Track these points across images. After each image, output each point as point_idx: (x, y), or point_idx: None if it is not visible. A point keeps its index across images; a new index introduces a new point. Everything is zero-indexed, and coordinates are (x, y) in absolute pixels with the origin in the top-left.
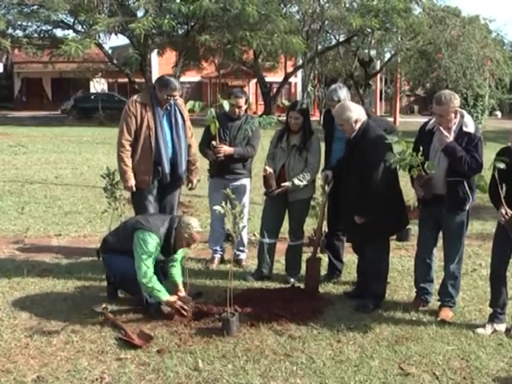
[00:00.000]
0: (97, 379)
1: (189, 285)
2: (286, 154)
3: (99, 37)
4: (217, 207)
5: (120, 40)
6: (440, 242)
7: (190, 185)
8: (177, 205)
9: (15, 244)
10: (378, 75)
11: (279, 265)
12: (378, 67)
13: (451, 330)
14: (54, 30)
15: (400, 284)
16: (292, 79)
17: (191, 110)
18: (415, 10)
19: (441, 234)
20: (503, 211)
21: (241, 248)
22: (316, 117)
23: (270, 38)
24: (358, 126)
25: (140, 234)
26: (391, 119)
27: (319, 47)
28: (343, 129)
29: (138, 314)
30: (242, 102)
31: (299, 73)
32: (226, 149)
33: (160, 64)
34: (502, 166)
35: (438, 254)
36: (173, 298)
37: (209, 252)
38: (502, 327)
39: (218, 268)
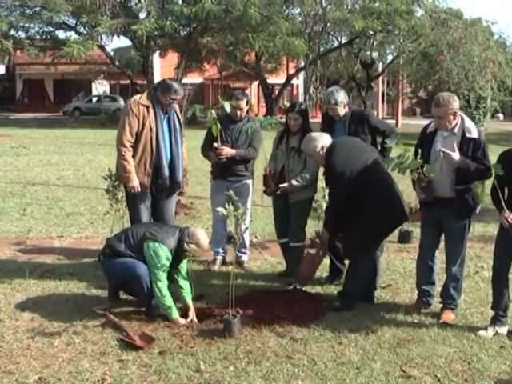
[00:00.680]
0: (98, 381)
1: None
2: (285, 155)
3: (101, 38)
4: (219, 209)
5: (122, 42)
6: (442, 244)
7: (180, 189)
8: (174, 211)
9: (17, 245)
10: (380, 77)
11: (281, 266)
12: (380, 69)
13: (453, 333)
14: (56, 32)
15: (402, 286)
16: (294, 81)
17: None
18: (417, 12)
19: (443, 236)
20: (506, 215)
21: (243, 250)
22: (318, 118)
23: (272, 40)
24: (325, 151)
25: (151, 244)
26: (393, 121)
27: (321, 49)
28: (314, 160)
29: (139, 316)
30: (243, 104)
31: (301, 75)
32: (227, 150)
33: (162, 66)
34: (500, 172)
35: (439, 256)
36: (182, 321)
37: (211, 254)
38: (503, 330)
39: (219, 270)
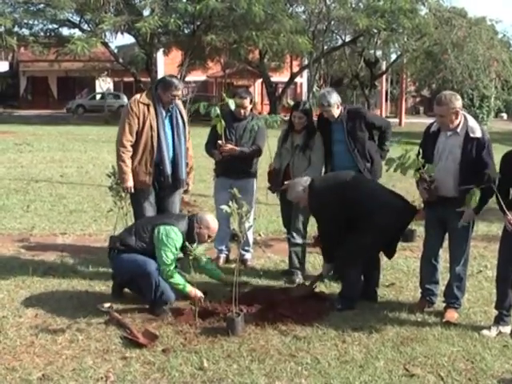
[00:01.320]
0: (102, 378)
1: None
2: (290, 153)
3: (105, 36)
4: (223, 207)
5: (126, 39)
6: (446, 243)
7: (186, 186)
8: (179, 208)
9: (20, 242)
10: (384, 76)
11: (284, 264)
12: (383, 68)
13: (456, 332)
14: (60, 29)
15: (405, 285)
16: (298, 79)
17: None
18: (421, 11)
19: (446, 235)
20: (509, 217)
21: (246, 248)
22: None
23: (276, 38)
24: (307, 191)
25: (162, 228)
26: (396, 120)
27: (325, 47)
28: (304, 204)
29: (143, 313)
30: (246, 102)
31: (305, 73)
32: (231, 147)
33: (166, 63)
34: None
35: (443, 256)
36: (199, 293)
37: (214, 251)
38: (507, 329)
39: (223, 267)
